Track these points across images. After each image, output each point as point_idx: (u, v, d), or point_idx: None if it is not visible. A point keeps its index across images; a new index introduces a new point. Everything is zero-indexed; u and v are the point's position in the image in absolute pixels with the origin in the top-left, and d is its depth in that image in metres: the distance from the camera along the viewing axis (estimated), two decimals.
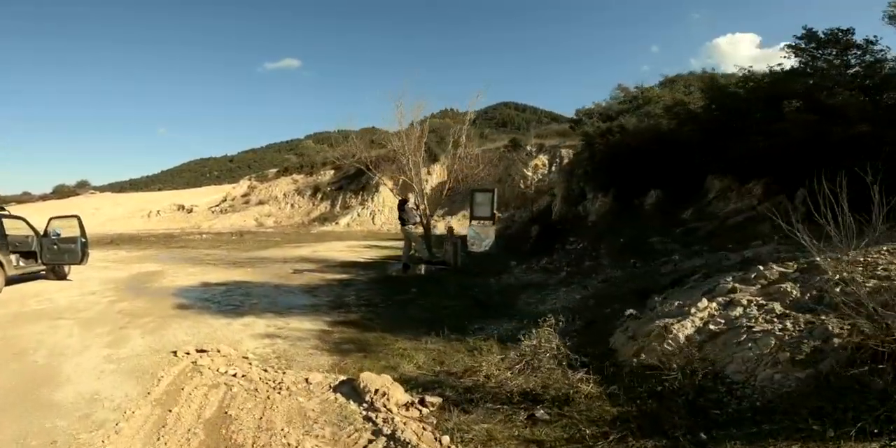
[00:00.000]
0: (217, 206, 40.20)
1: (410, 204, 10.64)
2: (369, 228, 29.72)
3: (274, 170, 40.19)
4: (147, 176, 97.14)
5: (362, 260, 13.92)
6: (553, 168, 29.49)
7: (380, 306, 7.52)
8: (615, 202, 8.86)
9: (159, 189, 71.77)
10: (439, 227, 29.08)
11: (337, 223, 31.32)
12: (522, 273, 8.97)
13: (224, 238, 26.25)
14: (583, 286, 7.00)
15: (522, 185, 28.75)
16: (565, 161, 29.77)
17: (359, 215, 31.34)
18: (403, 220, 10.36)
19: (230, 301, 8.31)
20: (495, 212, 12.77)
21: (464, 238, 11.07)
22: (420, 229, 10.46)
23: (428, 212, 11.01)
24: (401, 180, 33.26)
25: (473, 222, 13.10)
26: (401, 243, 22.04)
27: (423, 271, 9.98)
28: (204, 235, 27.45)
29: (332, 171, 36.22)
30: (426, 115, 12.61)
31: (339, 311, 7.34)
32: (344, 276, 10.76)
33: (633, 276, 6.59)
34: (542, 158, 30.31)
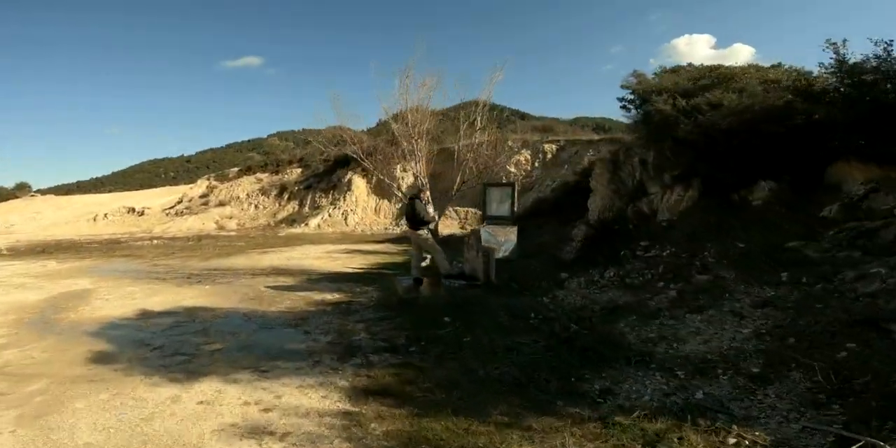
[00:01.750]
0: (172, 208, 36.09)
1: (425, 201, 7.97)
2: (342, 230, 26.70)
3: (235, 168, 36.37)
4: (96, 178, 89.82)
5: (350, 270, 11.09)
6: (536, 164, 27.42)
7: (413, 352, 4.85)
8: (703, 197, 6.48)
9: (110, 191, 65.75)
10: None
11: (307, 224, 28.11)
12: (585, 289, 6.48)
13: (179, 244, 22.66)
14: (730, 312, 4.59)
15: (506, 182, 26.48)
16: (548, 157, 27.70)
17: (330, 216, 28.22)
18: (416, 223, 7.68)
19: (179, 345, 5.45)
20: (515, 210, 10.23)
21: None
22: (425, 233, 7.80)
23: (436, 213, 8.46)
24: (374, 178, 30.43)
25: (487, 223, 10.52)
26: (389, 248, 19.62)
27: (442, 290, 7.34)
28: (155, 241, 23.75)
29: (299, 170, 32.87)
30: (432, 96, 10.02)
31: (354, 362, 4.63)
32: (336, 295, 7.97)
33: (816, 298, 4.22)
34: (525, 154, 28.07)
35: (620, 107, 8.85)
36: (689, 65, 9.98)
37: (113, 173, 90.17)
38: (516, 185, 10.32)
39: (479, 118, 9.41)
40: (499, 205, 10.40)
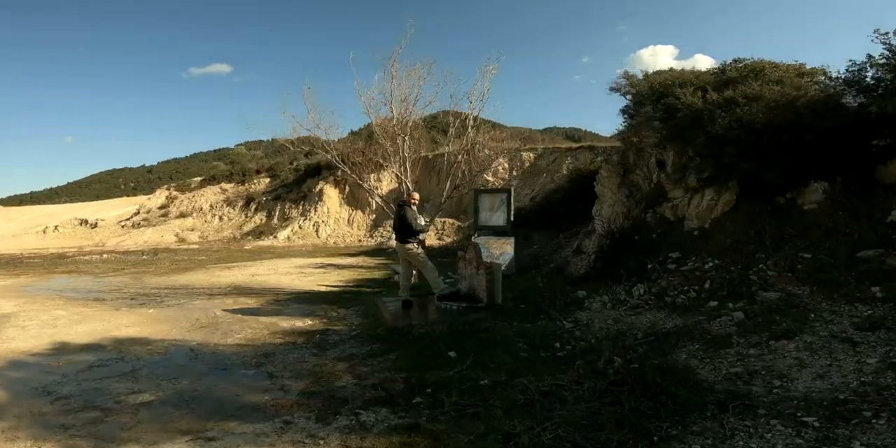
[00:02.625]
0: (128, 219, 33.57)
1: (416, 207, 6.69)
2: (314, 242, 25.02)
3: (198, 178, 34.16)
4: (51, 188, 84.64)
5: (324, 288, 9.63)
6: (514, 172, 26.58)
7: (418, 405, 3.54)
8: (742, 201, 5.47)
9: (65, 202, 61.65)
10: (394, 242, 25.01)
11: (275, 237, 26.30)
12: (613, 310, 5.35)
13: (132, 258, 20.58)
14: (833, 338, 3.57)
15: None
16: (526, 165, 26.83)
17: (300, 228, 26.50)
18: (405, 234, 6.42)
19: (93, 395, 4.00)
20: (512, 220, 9.09)
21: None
22: (415, 247, 6.49)
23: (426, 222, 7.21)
24: (348, 188, 28.90)
25: (479, 234, 9.34)
26: (365, 261, 17.73)
27: (435, 314, 6.09)
28: (105, 255, 21.54)
29: (267, 180, 31.02)
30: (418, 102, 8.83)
31: (340, 424, 3.28)
32: (309, 321, 6.56)
33: None
34: (503, 162, 27.15)
35: (621, 110, 7.89)
36: (671, 69, 9.12)
37: (69, 183, 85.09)
38: (512, 192, 9.13)
39: (472, 115, 8.26)
40: (492, 213, 9.25)
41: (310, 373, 4.34)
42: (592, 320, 5.31)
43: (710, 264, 5.41)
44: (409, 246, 6.43)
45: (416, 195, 6.80)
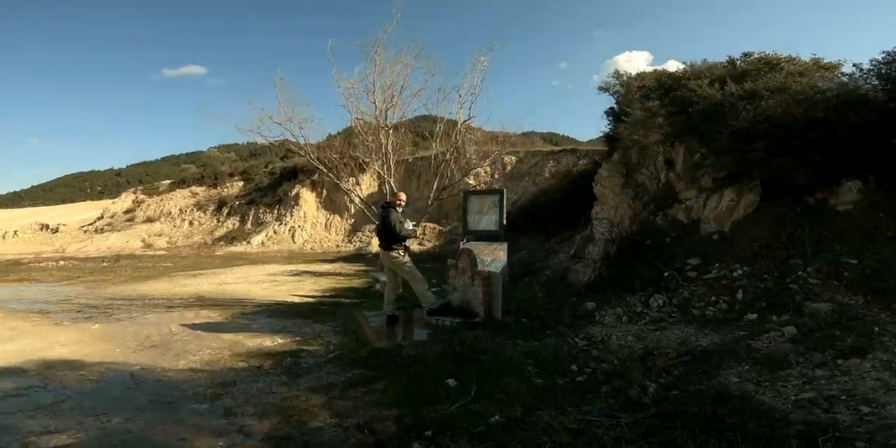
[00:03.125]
0: (91, 224, 31.78)
1: (402, 209, 5.85)
2: (289, 248, 23.89)
3: (167, 181, 32.58)
4: (14, 192, 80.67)
5: (298, 299, 8.71)
6: (496, 176, 26.04)
7: None
8: (766, 202, 4.84)
9: (28, 206, 58.47)
10: (374, 247, 23.96)
11: (249, 242, 25.05)
12: (630, 324, 4.67)
13: (91, 265, 19.15)
14: None
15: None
16: (508, 168, 26.28)
17: (275, 233, 25.32)
18: (390, 239, 5.71)
19: None
20: (505, 223, 8.29)
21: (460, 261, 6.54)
22: (402, 254, 5.75)
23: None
24: (325, 192, 27.82)
25: (468, 240, 8.50)
26: (344, 268, 16.30)
27: (425, 331, 5.31)
28: (63, 262, 20.05)
29: (240, 183, 29.72)
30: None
31: None
32: (279, 339, 5.67)
33: None
34: (485, 166, 26.56)
35: (606, 112, 7.28)
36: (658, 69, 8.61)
37: (33, 187, 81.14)
38: (504, 193, 8.32)
39: (461, 109, 7.54)
40: (482, 216, 8.40)
41: (277, 409, 3.48)
42: (609, 337, 4.60)
43: (739, 272, 4.77)
44: (395, 254, 5.63)
45: (403, 196, 5.97)
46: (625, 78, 13.23)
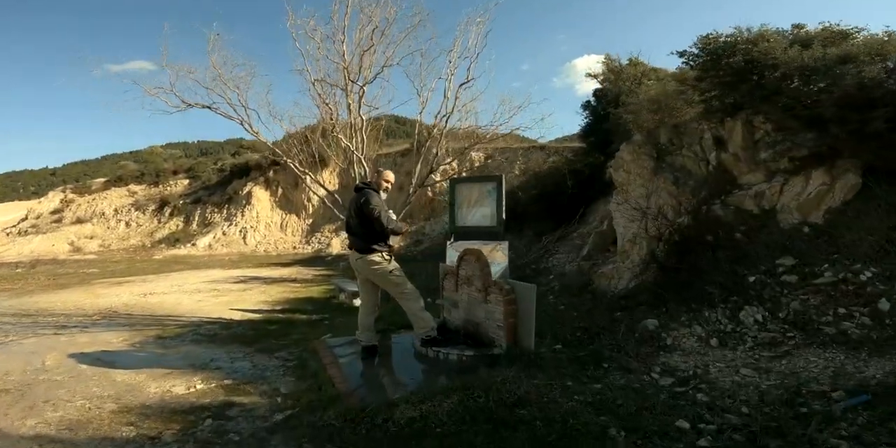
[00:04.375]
0: (14, 226, 27.83)
1: (381, 199, 3.96)
2: (240, 250, 21.35)
3: (102, 179, 29.03)
4: None
5: (239, 315, 6.66)
6: (464, 173, 24.49)
7: None
8: (871, 185, 3.37)
9: None
10: (335, 248, 21.70)
11: (194, 245, 22.30)
12: (726, 349, 3.23)
13: (3, 272, 16.09)
14: None
15: (431, 193, 23.13)
16: (476, 165, 24.73)
17: (224, 234, 22.68)
18: (368, 237, 3.84)
19: None
20: (504, 218, 6.49)
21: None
22: (385, 260, 3.91)
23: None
24: (280, 190, 25.29)
25: (456, 239, 6.59)
26: (301, 272, 13.45)
27: (421, 371, 3.52)
28: None
29: (186, 181, 26.71)
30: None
31: None
32: (198, 382, 3.75)
33: None
34: (452, 163, 24.91)
35: (583, 105, 5.76)
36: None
37: None
38: (503, 179, 6.46)
39: (452, 74, 5.76)
40: (473, 209, 6.46)
41: None
42: (705, 369, 3.02)
43: (868, 274, 3.30)
44: (375, 258, 3.77)
45: (390, 175, 4.07)
46: (616, 63, 11.99)
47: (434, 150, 6.54)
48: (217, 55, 5.79)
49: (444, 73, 5.83)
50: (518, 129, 6.52)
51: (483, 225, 6.27)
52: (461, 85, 5.72)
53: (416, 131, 6.55)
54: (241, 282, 10.57)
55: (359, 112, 5.44)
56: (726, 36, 5.25)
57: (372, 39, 5.26)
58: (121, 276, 13.70)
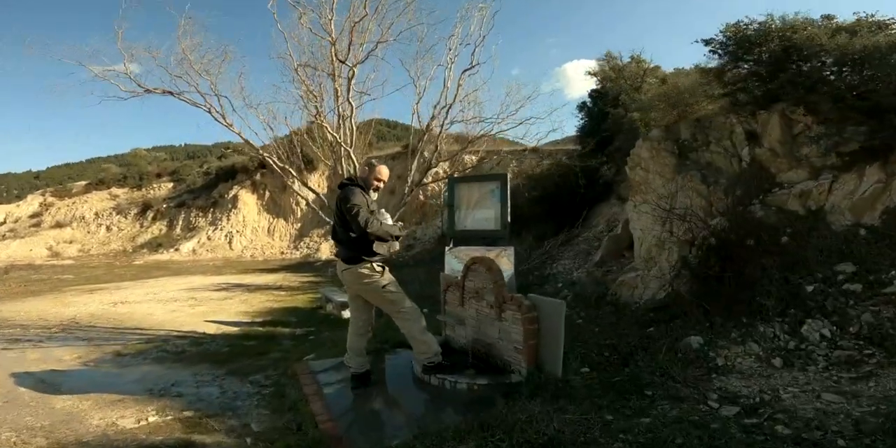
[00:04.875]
0: None
1: (365, 197, 3.15)
2: (225, 255, 20.52)
3: (83, 182, 28.02)
4: None
5: (214, 328, 5.95)
6: (455, 175, 23.87)
7: None
8: None
9: None
10: (324, 253, 20.91)
11: (177, 250, 21.42)
12: (797, 370, 2.73)
13: None
14: None
15: (422, 196, 22.51)
16: (468, 169, 24.19)
17: (209, 239, 21.84)
18: (355, 246, 3.06)
19: None
20: (509, 220, 5.81)
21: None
22: (376, 272, 3.11)
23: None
24: (268, 193, 24.47)
25: (454, 245, 5.85)
26: (287, 279, 12.46)
27: (423, 403, 2.85)
28: None
29: (170, 184, 25.83)
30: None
31: None
32: (152, 413, 3.06)
33: None
34: (443, 165, 24.34)
35: (578, 106, 5.26)
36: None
37: None
38: (508, 178, 5.79)
39: (454, 63, 5.17)
40: (473, 212, 5.82)
41: None
42: (775, 395, 2.46)
43: None
44: (364, 270, 3.04)
45: (384, 170, 3.27)
46: (618, 61, 11.53)
47: (433, 145, 5.94)
48: (189, 40, 5.14)
49: (443, 60, 5.25)
50: (529, 120, 5.93)
51: (485, 228, 5.58)
52: (465, 71, 5.16)
53: (412, 122, 5.99)
54: (223, 289, 9.84)
55: (347, 98, 4.80)
56: (759, 23, 4.75)
57: (365, 7, 4.65)
58: (95, 282, 12.87)
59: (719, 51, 4.83)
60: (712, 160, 4.85)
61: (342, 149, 5.12)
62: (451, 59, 5.40)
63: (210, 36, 5.65)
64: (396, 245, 3.24)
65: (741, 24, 4.89)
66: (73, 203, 25.73)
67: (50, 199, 26.39)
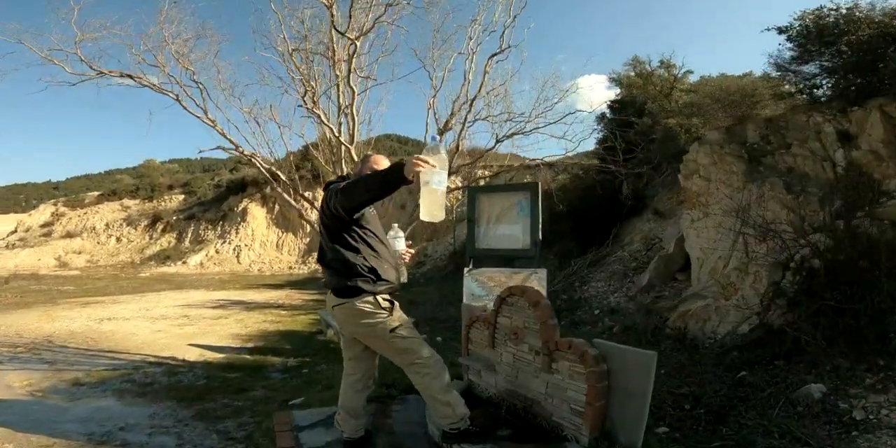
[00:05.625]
0: (3, 239, 26.52)
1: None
2: (232, 269, 19.88)
3: (95, 193, 27.88)
4: None
5: (197, 353, 5.14)
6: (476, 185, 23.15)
7: None
8: None
9: None
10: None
11: (185, 262, 20.87)
12: None
13: None
14: None
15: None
16: (482, 184, 23.47)
17: (217, 252, 21.28)
18: (344, 272, 2.12)
19: None
20: (540, 238, 4.84)
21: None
22: (379, 310, 2.13)
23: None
24: (277, 207, 23.95)
25: (474, 267, 4.80)
26: (291, 296, 11.85)
27: None
28: None
29: (181, 197, 25.51)
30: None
31: None
32: None
33: None
34: (456, 181, 23.68)
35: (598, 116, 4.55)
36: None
37: None
38: (539, 188, 4.84)
39: (474, 48, 4.41)
40: (498, 227, 4.84)
41: None
42: None
43: None
44: (365, 306, 2.10)
45: (381, 159, 2.33)
46: (646, 66, 10.82)
47: (454, 144, 5.18)
48: (174, 28, 4.50)
49: (463, 47, 4.52)
50: (574, 113, 5.13)
51: (512, 247, 4.59)
52: (492, 55, 4.40)
53: (426, 120, 5.18)
54: (220, 307, 9.08)
55: (348, 81, 4.01)
56: (846, 7, 3.98)
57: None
58: (94, 295, 12.23)
59: (800, 38, 4.05)
60: (796, 165, 4.01)
61: (342, 148, 4.36)
62: (472, 48, 4.69)
63: (191, 19, 5.02)
64: (405, 271, 2.43)
65: (822, 9, 4.12)
66: (85, 213, 25.48)
67: (62, 209, 26.21)
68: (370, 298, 2.10)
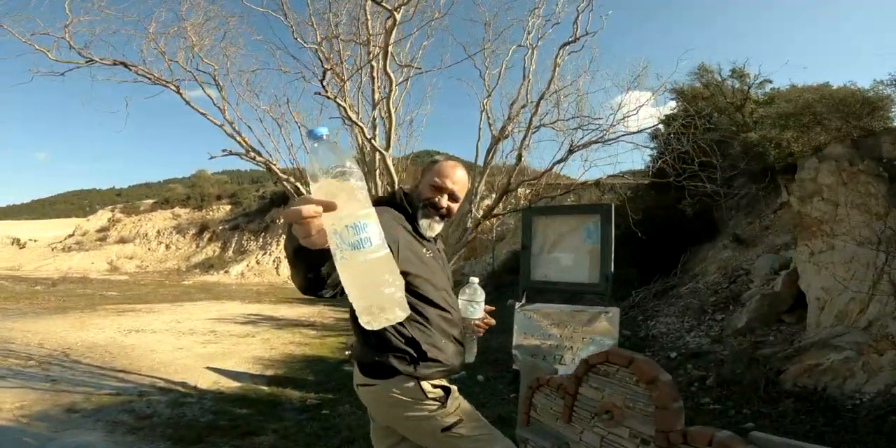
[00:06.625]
0: (61, 242, 27.84)
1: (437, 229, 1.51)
2: (271, 280, 19.83)
3: (150, 201, 28.97)
4: (13, 205, 77.46)
5: (213, 379, 4.60)
6: (507, 210, 22.29)
7: None
8: None
9: (25, 220, 54.75)
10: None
11: (227, 272, 21.06)
12: None
13: (21, 288, 15.14)
14: None
15: (470, 224, 21.07)
16: (521, 202, 22.54)
17: (258, 263, 21.37)
18: (372, 343, 1.36)
19: None
20: (611, 273, 3.88)
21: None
22: (434, 409, 1.37)
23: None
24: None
25: (526, 302, 3.90)
26: (323, 314, 10.80)
27: None
28: None
29: (228, 207, 26.05)
30: None
31: None
32: None
33: None
34: (488, 201, 22.92)
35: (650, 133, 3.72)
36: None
37: (32, 201, 77.87)
38: (612, 211, 3.93)
39: (536, 37, 3.77)
40: (560, 255, 3.87)
41: None
42: None
43: None
44: (406, 399, 1.35)
45: (454, 170, 1.51)
46: (715, 75, 9.86)
47: (518, 152, 4.47)
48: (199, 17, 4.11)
49: (522, 40, 3.86)
50: (652, 127, 4.36)
51: (577, 281, 3.68)
52: (564, 45, 3.69)
53: (479, 125, 4.50)
54: (250, 322, 8.66)
55: (385, 66, 3.30)
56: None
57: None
58: (133, 302, 12.23)
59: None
60: None
61: (376, 155, 3.73)
62: (531, 43, 4.04)
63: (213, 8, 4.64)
64: (474, 346, 1.64)
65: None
66: (139, 220, 26.41)
67: (118, 215, 27.29)
68: (410, 385, 1.37)
